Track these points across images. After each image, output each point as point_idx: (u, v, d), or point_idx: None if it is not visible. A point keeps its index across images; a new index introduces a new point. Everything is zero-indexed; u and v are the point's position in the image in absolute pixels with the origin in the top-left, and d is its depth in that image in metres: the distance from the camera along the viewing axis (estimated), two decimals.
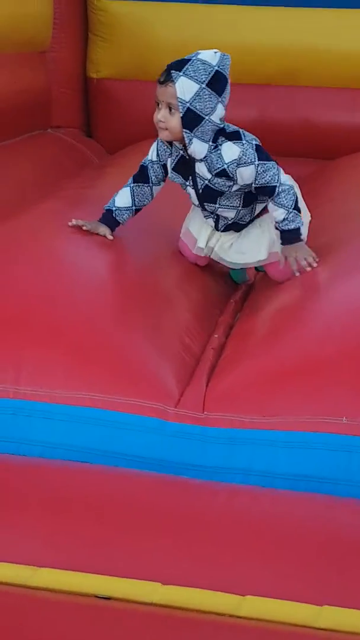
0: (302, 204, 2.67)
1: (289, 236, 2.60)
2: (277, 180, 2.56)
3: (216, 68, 2.56)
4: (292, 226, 2.59)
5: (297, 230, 2.60)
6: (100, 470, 2.00)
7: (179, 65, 2.57)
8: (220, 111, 2.57)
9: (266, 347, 2.24)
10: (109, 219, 2.74)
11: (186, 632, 1.76)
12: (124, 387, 2.08)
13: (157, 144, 2.74)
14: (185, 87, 2.53)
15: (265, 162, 2.56)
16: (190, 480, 1.95)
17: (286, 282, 2.64)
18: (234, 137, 2.59)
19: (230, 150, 2.56)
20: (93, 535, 1.90)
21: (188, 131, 2.55)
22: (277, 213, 2.58)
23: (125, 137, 4.70)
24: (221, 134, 2.59)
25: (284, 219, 2.58)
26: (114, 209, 2.74)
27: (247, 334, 2.39)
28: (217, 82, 2.55)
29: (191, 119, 2.53)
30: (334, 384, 2.05)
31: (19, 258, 2.54)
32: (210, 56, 2.59)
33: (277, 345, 2.23)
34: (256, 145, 2.60)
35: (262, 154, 2.58)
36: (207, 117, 2.54)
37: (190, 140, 2.56)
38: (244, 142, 2.58)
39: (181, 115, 2.53)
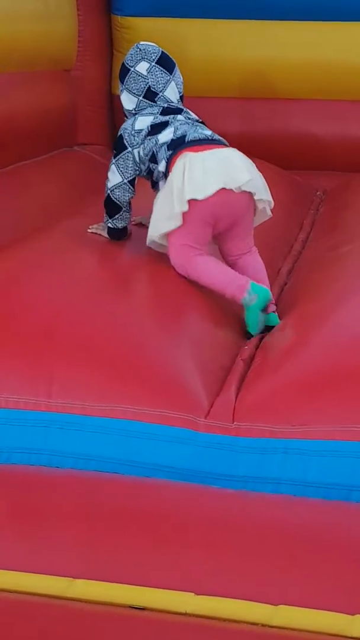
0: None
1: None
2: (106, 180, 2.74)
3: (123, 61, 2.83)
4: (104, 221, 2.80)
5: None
6: (132, 481, 2.01)
7: None
8: (126, 98, 2.80)
9: (294, 357, 2.25)
10: None
11: None
12: (154, 398, 2.10)
13: None
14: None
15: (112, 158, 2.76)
16: (221, 490, 1.96)
17: (310, 293, 2.66)
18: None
19: None
20: (126, 546, 1.91)
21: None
22: None
23: None
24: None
25: None
26: None
27: (276, 344, 2.40)
28: (120, 72, 2.82)
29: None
30: None
31: (49, 273, 2.58)
32: (144, 45, 2.86)
33: (305, 355, 2.24)
34: (119, 135, 2.75)
35: (117, 144, 2.75)
36: (123, 102, 2.82)
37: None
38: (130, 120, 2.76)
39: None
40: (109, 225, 2.79)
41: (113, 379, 2.15)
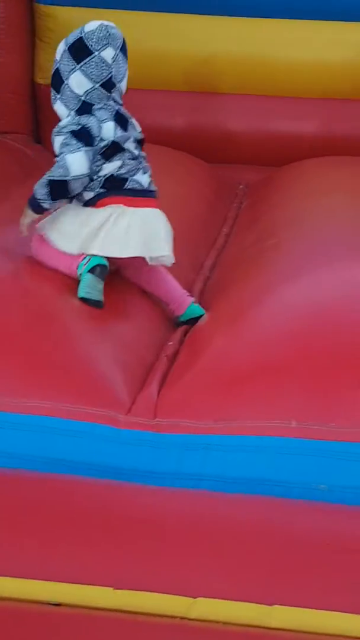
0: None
1: (31, 198, 2.58)
2: (64, 160, 2.51)
3: (80, 35, 2.60)
4: (37, 191, 2.55)
5: (35, 199, 2.56)
6: (52, 478, 2.00)
7: None
8: (79, 80, 2.56)
9: (217, 352, 2.27)
10: None
11: (139, 636, 1.78)
12: (74, 394, 2.09)
13: None
14: (60, 47, 2.62)
15: (73, 139, 2.52)
16: (143, 486, 1.96)
17: (234, 287, 2.69)
18: (82, 111, 2.57)
19: (67, 119, 2.59)
20: (43, 542, 1.91)
21: (54, 91, 2.61)
22: None
23: None
24: (82, 108, 2.58)
25: (39, 182, 2.56)
26: None
27: (200, 339, 2.42)
28: (76, 49, 2.57)
29: (55, 78, 2.61)
30: (284, 387, 2.09)
31: None
32: (90, 24, 2.63)
33: (227, 350, 2.25)
34: (87, 126, 2.54)
35: (82, 134, 2.54)
36: (66, 81, 2.58)
37: (55, 100, 2.62)
38: (80, 117, 2.56)
39: (52, 71, 2.61)
40: (44, 204, 2.56)
41: (32, 374, 2.13)
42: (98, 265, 2.47)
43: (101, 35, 2.60)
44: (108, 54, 2.60)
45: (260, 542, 1.83)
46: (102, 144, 2.56)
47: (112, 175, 2.57)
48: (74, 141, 2.52)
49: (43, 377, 2.13)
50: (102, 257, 2.50)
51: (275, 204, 3.68)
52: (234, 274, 2.90)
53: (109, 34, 2.62)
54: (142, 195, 2.61)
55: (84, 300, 2.45)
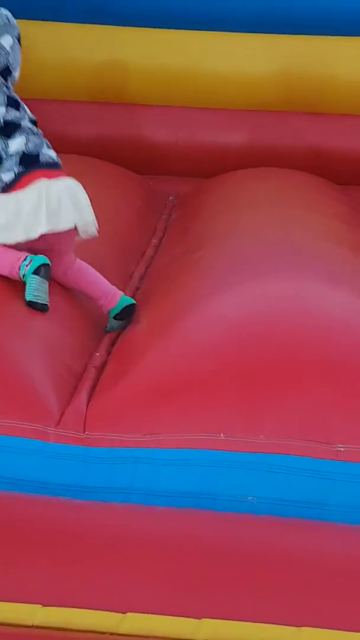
0: None
1: None
2: None
3: None
4: None
5: None
6: None
7: None
8: None
9: (145, 364, 2.27)
10: None
11: None
12: (2, 408, 2.07)
13: None
14: None
15: None
16: (70, 500, 1.95)
17: (161, 299, 2.70)
18: None
19: None
20: None
21: None
22: None
23: None
24: None
25: None
26: None
27: (127, 351, 2.42)
28: None
29: None
30: (212, 400, 2.09)
31: None
32: (9, 13, 2.69)
33: (155, 362, 2.26)
34: None
35: None
36: None
37: None
38: None
39: None
40: None
41: None
42: (42, 265, 2.45)
43: (1, 23, 2.63)
44: (6, 41, 2.64)
45: (188, 555, 1.83)
46: None
47: (23, 152, 2.56)
48: None
49: None
50: (43, 256, 2.47)
51: (203, 216, 3.71)
52: (162, 285, 2.91)
53: (9, 22, 2.66)
54: (55, 168, 2.62)
55: (31, 304, 2.43)
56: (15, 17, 4.69)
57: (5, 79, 2.65)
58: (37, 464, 2.00)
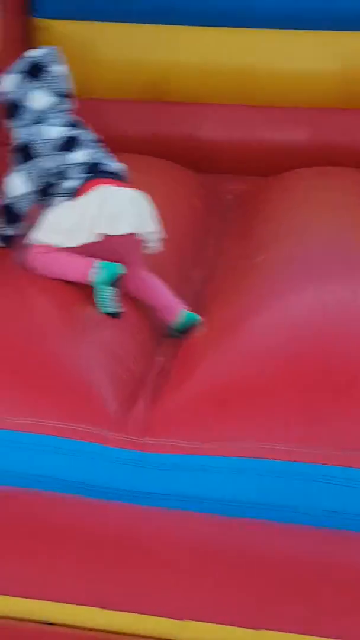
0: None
1: None
2: (5, 183, 2.66)
3: (33, 59, 2.75)
4: None
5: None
6: (40, 495, 2.00)
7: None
8: (40, 97, 2.71)
9: (208, 369, 2.26)
10: None
11: None
12: (62, 410, 2.08)
13: None
14: (5, 80, 2.73)
15: (13, 159, 2.67)
16: (130, 506, 1.96)
17: (224, 303, 2.68)
18: (26, 125, 2.71)
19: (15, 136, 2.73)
20: (32, 560, 1.91)
21: (9, 121, 2.72)
22: None
23: None
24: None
25: None
26: None
27: (189, 356, 2.41)
28: (34, 70, 2.73)
29: (9, 108, 2.71)
30: (274, 408, 2.07)
31: None
32: (35, 51, 2.79)
33: (219, 367, 2.24)
34: (23, 141, 2.67)
35: (19, 150, 2.67)
36: (25, 104, 2.70)
37: (11, 130, 2.72)
38: (21, 131, 2.69)
39: (5, 105, 2.71)
40: (6, 232, 2.69)
41: (23, 391, 2.12)
42: (112, 273, 2.48)
43: (51, 51, 2.79)
44: (58, 69, 2.77)
45: (249, 565, 1.83)
46: (60, 141, 2.66)
47: (86, 162, 2.65)
48: (14, 162, 2.66)
49: (31, 392, 2.12)
50: (116, 264, 2.49)
51: (264, 216, 3.68)
52: (223, 289, 2.89)
53: (58, 52, 2.80)
54: (118, 179, 2.68)
55: (104, 313, 2.47)
56: (103, 20, 4.79)
57: (66, 102, 2.76)
58: (97, 468, 2.01)
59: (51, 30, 4.84)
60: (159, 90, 4.90)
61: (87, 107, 4.76)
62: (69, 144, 2.67)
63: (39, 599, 1.86)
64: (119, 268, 2.49)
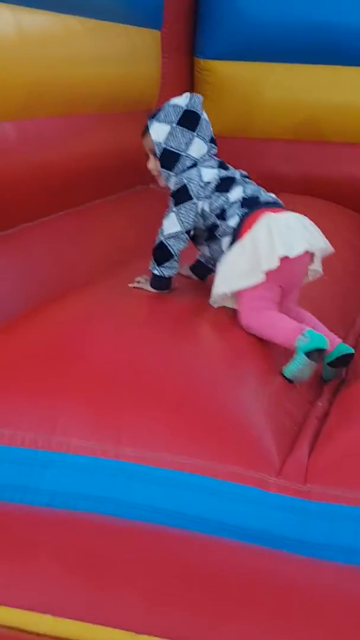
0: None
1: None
2: (162, 225, 2.69)
3: (185, 107, 2.73)
4: (150, 267, 2.73)
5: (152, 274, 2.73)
6: (198, 537, 1.98)
7: (153, 114, 2.77)
8: (198, 146, 2.72)
9: None
10: (196, 263, 2.94)
11: None
12: (225, 453, 2.06)
13: None
14: (157, 131, 2.72)
15: (171, 202, 2.69)
16: (289, 554, 1.92)
17: None
18: (181, 171, 2.72)
19: (171, 182, 2.74)
20: (190, 604, 1.89)
21: (166, 170, 2.71)
22: None
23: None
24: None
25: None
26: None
27: (351, 401, 2.35)
28: (188, 120, 2.72)
29: (168, 158, 2.70)
30: None
31: (118, 317, 2.56)
32: (179, 99, 2.77)
33: None
34: (182, 184, 2.68)
35: (178, 193, 2.68)
36: (184, 153, 2.70)
37: (168, 177, 2.73)
38: (178, 176, 2.71)
39: (158, 156, 2.71)
40: (155, 272, 2.73)
41: (183, 430, 2.12)
42: (316, 349, 2.45)
43: (196, 101, 2.78)
44: (206, 116, 2.79)
45: None
46: (214, 183, 2.69)
47: (243, 198, 2.69)
48: (171, 204, 2.71)
49: (194, 433, 2.11)
50: (323, 338, 2.47)
51: None
52: None
53: (201, 100, 2.80)
54: (278, 206, 2.71)
55: (287, 379, 2.45)
56: (245, 59, 4.87)
57: (214, 146, 2.81)
58: (256, 512, 1.97)
59: (214, 71, 4.95)
60: (316, 130, 4.91)
61: (245, 146, 4.84)
62: (225, 184, 2.71)
63: None
64: (325, 343, 2.46)
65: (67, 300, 2.76)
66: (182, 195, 2.69)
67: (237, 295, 2.62)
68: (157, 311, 2.70)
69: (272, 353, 2.61)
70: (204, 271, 2.92)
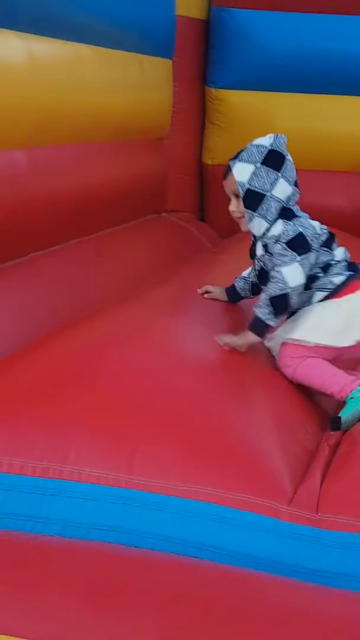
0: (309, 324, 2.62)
1: (254, 321, 2.60)
2: (281, 274, 2.56)
3: (269, 147, 2.66)
4: (259, 313, 2.58)
5: (260, 321, 2.58)
6: (211, 566, 1.97)
7: (235, 155, 2.70)
8: (283, 187, 2.65)
9: None
10: (230, 287, 2.95)
11: None
12: (237, 482, 2.05)
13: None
14: (241, 171, 2.64)
15: (287, 250, 2.59)
16: (302, 583, 1.90)
17: None
18: (287, 216, 2.65)
19: (277, 227, 2.64)
20: (202, 633, 1.87)
21: (250, 211, 2.64)
22: (261, 295, 2.64)
23: (237, 222, 4.77)
24: (284, 214, 2.65)
25: (259, 305, 2.60)
26: (237, 277, 2.93)
27: None
28: (272, 160, 2.65)
29: (252, 199, 2.63)
30: None
31: (132, 346, 2.58)
32: (263, 139, 2.71)
33: None
34: (299, 232, 2.60)
35: (296, 242, 2.59)
36: (268, 194, 2.62)
37: (251, 218, 2.65)
38: (291, 222, 2.63)
39: (241, 196, 2.64)
40: (271, 323, 2.60)
41: (195, 458, 2.11)
42: None
43: (281, 141, 2.71)
44: (290, 157, 2.72)
45: None
46: (323, 237, 2.67)
47: (346, 260, 2.70)
48: (288, 252, 2.60)
49: (207, 462, 2.10)
50: None
51: None
52: None
53: (285, 140, 2.73)
54: None
55: (335, 424, 2.44)
56: (276, 90, 4.87)
57: (297, 192, 2.73)
58: (269, 541, 1.96)
59: (225, 100, 4.97)
60: (328, 160, 4.92)
61: None
62: (331, 240, 2.70)
63: None
64: None
65: (79, 329, 2.77)
66: (301, 245, 2.59)
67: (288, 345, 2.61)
68: (171, 340, 2.70)
69: (285, 383, 2.61)
70: (237, 296, 2.95)
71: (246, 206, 2.64)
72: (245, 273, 2.94)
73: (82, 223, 3.80)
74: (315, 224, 2.69)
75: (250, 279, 2.90)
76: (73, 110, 3.54)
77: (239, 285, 2.94)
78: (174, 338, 2.69)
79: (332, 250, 2.68)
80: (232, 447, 2.15)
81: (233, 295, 2.97)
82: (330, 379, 2.55)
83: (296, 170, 2.73)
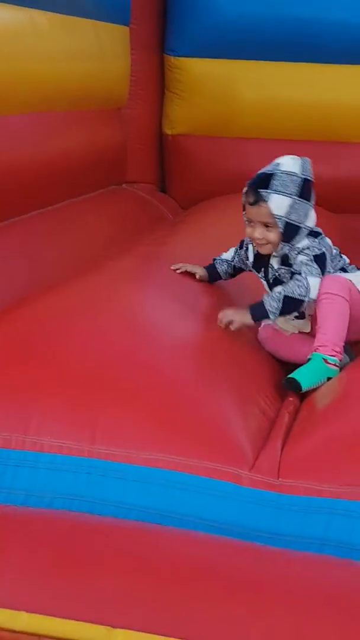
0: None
1: (257, 306, 2.63)
2: (307, 281, 2.61)
3: (302, 177, 2.64)
4: (267, 303, 2.61)
5: (263, 309, 2.62)
6: (173, 532, 1.99)
7: (264, 182, 2.63)
8: (313, 215, 2.69)
9: (342, 410, 2.22)
10: (210, 266, 2.98)
11: None
12: (199, 449, 2.08)
13: (237, 249, 2.92)
14: (279, 204, 2.62)
15: (314, 263, 2.64)
16: (263, 547, 1.93)
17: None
18: (312, 234, 2.70)
19: (303, 242, 2.67)
20: (166, 598, 1.90)
21: (286, 243, 2.66)
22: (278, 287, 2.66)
23: (198, 192, 4.76)
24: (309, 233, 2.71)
25: (272, 295, 2.63)
26: (216, 258, 2.97)
27: (323, 397, 2.37)
28: (306, 190, 2.65)
29: (290, 231, 2.64)
30: None
31: (95, 316, 2.58)
32: (291, 165, 2.65)
33: (354, 409, 2.20)
34: (323, 252, 2.66)
35: (319, 259, 2.65)
36: (303, 225, 2.65)
37: (282, 247, 2.67)
38: (317, 240, 2.67)
39: (281, 231, 2.63)
40: (272, 317, 2.64)
41: (157, 427, 2.13)
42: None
43: (309, 166, 2.69)
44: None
45: None
46: (340, 262, 2.78)
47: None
48: (315, 265, 2.64)
49: (168, 430, 2.12)
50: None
51: None
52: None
53: (310, 164, 2.71)
54: None
55: (289, 380, 2.48)
56: (237, 58, 4.83)
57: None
58: (230, 507, 1.99)
59: (185, 69, 4.93)
60: (294, 128, 4.91)
61: (217, 145, 4.82)
62: (339, 255, 2.80)
63: (175, 637, 1.84)
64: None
65: (39, 299, 2.76)
66: (322, 264, 2.65)
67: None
68: (134, 309, 2.70)
69: (244, 352, 2.63)
70: (215, 276, 2.98)
71: (284, 239, 2.66)
72: (226, 256, 2.97)
73: (42, 194, 3.77)
74: (330, 241, 2.76)
75: (233, 263, 2.94)
76: (27, 79, 3.49)
77: (222, 268, 2.97)
78: (136, 308, 2.70)
79: (344, 261, 2.81)
80: (193, 415, 2.17)
81: (212, 274, 3.01)
82: (336, 328, 2.57)
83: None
